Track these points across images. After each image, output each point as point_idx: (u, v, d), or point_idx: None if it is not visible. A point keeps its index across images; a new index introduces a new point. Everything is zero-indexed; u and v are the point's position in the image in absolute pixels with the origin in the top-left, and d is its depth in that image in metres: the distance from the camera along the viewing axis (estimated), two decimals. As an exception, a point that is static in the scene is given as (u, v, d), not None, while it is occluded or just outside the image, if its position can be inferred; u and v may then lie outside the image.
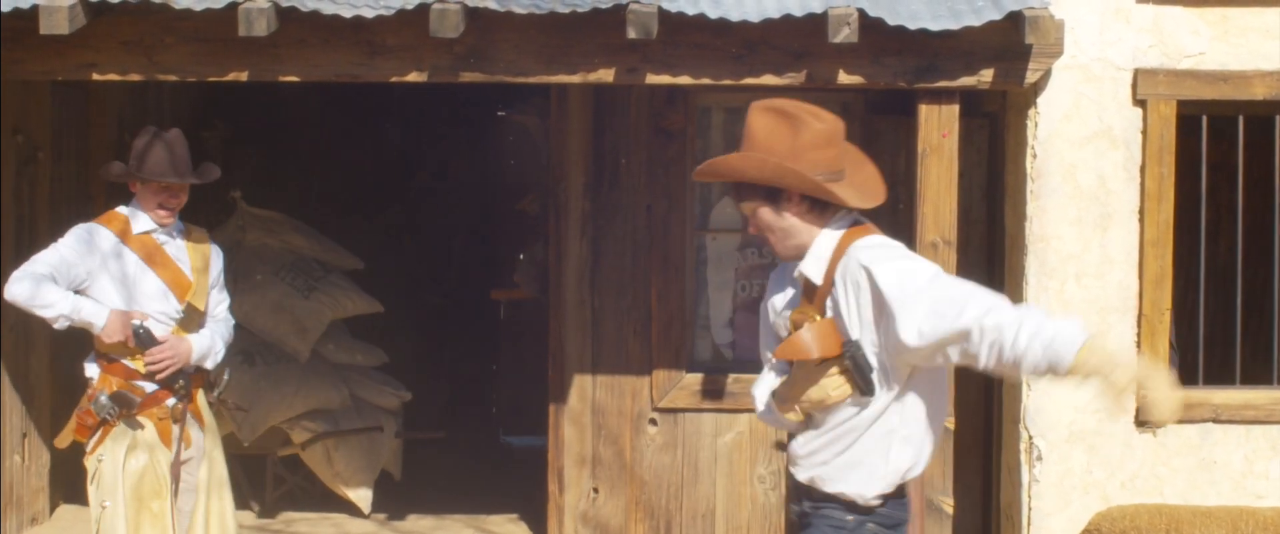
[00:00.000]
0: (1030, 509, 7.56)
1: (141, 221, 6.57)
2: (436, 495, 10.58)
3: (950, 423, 7.47)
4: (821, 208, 4.42)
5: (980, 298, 4.13)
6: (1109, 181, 7.52)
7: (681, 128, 8.83)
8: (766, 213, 4.47)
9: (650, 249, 8.88)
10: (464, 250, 13.22)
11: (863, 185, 4.49)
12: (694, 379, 8.88)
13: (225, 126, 11.88)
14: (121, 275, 6.44)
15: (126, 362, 6.44)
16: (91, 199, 10.43)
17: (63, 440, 6.59)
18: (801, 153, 4.37)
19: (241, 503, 10.00)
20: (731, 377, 8.88)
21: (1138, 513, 7.28)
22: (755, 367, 8.93)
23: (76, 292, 6.37)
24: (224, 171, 11.09)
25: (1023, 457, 7.58)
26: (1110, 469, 7.56)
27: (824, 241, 4.41)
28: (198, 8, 7.25)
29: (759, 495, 8.93)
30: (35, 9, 7.04)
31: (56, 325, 6.32)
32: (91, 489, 6.45)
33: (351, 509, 10.04)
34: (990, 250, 8.43)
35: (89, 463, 6.44)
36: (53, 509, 9.87)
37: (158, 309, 6.51)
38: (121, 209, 6.62)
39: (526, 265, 9.39)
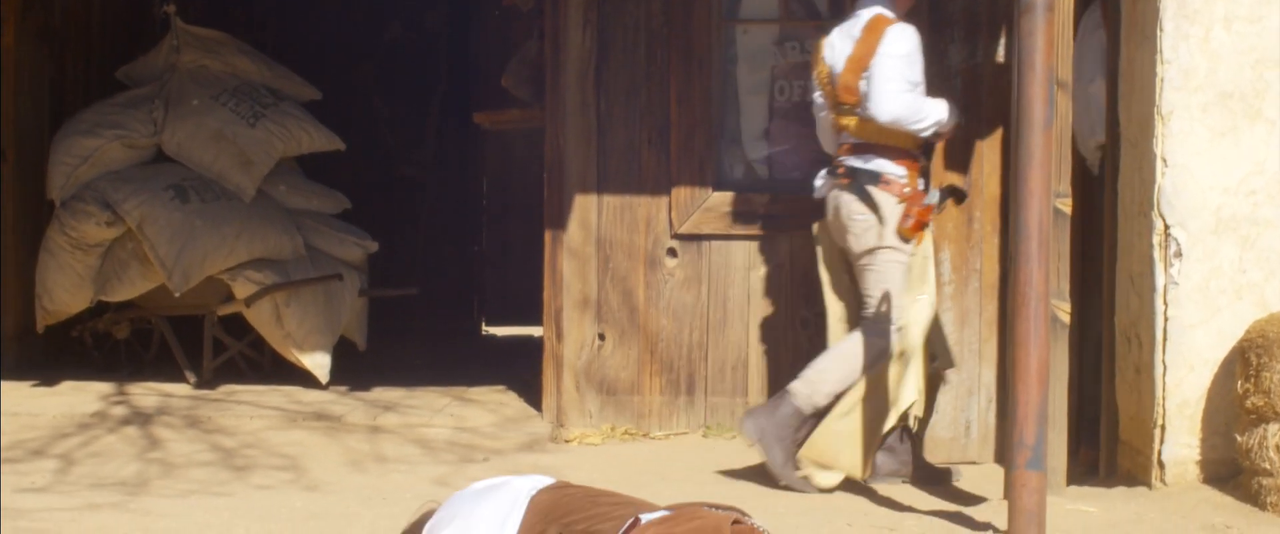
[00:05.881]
0: (1166, 321, 5.92)
1: None
2: (409, 375, 8.93)
3: (1066, 205, 5.85)
4: None
5: None
6: (1267, -105, 5.89)
7: (707, -114, 7.31)
8: None
9: (668, 40, 7.51)
10: (443, 117, 11.59)
11: None
12: (722, 199, 7.36)
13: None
14: None
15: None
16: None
17: (910, 232, 6.45)
18: None
19: (175, 374, 8.44)
20: (769, 196, 7.36)
21: (1309, 319, 5.68)
22: (796, 185, 7.38)
23: None
24: (167, 30, 9.29)
25: (1156, 254, 5.94)
26: (1271, 267, 5.95)
27: None
28: None
29: (802, 342, 7.37)
30: None
31: (925, 134, 6.46)
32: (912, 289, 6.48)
33: (307, 381, 8.38)
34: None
35: (918, 253, 6.46)
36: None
37: None
38: (887, 11, 6.51)
39: (517, 65, 7.77)
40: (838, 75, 6.53)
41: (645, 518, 2.71)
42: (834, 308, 6.68)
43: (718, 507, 2.73)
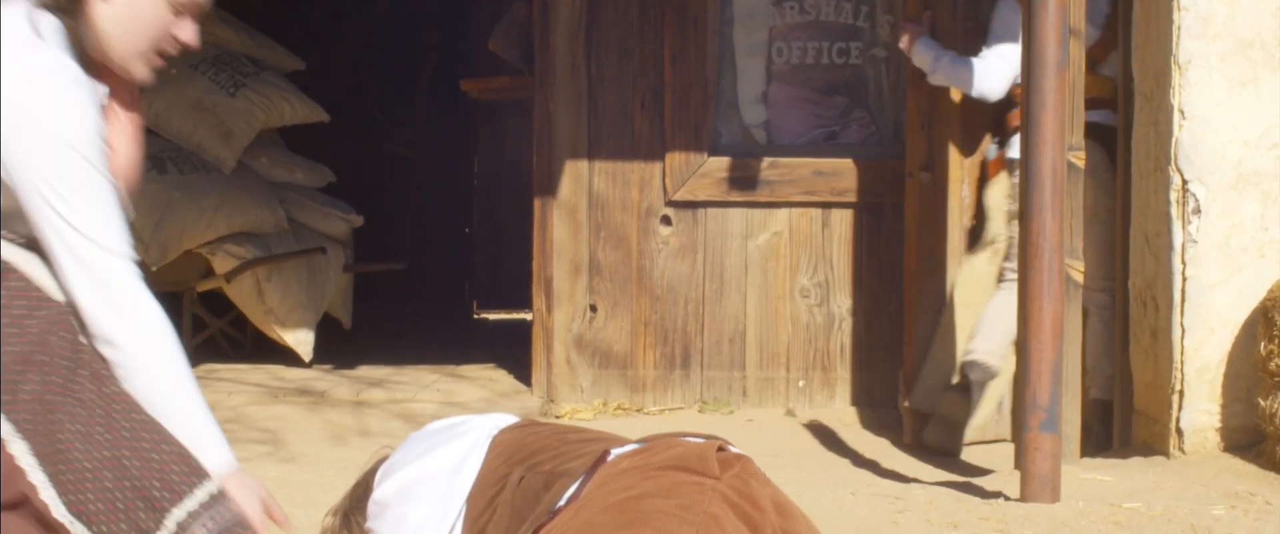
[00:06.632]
0: (1185, 282, 5.61)
1: None
2: (396, 354, 8.62)
3: (1079, 159, 5.56)
4: None
5: None
6: None
7: None
8: None
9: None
10: (432, 95, 11.29)
11: None
12: (718, 164, 7.04)
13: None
14: None
15: None
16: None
17: None
18: None
19: (154, 353, 8.13)
20: (767, 161, 7.06)
21: (1335, 277, 5.37)
22: (796, 149, 7.09)
23: None
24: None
25: (1174, 211, 5.63)
26: (1293, 223, 5.63)
27: None
28: None
29: (801, 313, 7.07)
30: None
31: None
32: None
33: (290, 360, 8.08)
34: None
35: None
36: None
37: None
38: None
39: (505, 26, 7.46)
40: (1095, 35, 6.23)
41: (615, 452, 2.42)
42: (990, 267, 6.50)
43: (696, 436, 2.45)
